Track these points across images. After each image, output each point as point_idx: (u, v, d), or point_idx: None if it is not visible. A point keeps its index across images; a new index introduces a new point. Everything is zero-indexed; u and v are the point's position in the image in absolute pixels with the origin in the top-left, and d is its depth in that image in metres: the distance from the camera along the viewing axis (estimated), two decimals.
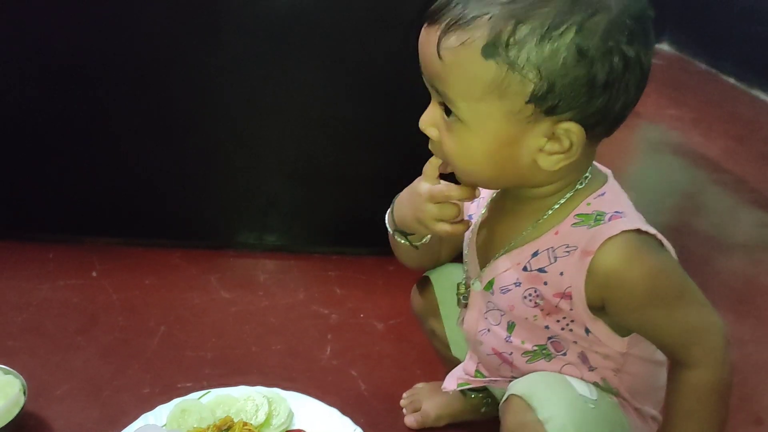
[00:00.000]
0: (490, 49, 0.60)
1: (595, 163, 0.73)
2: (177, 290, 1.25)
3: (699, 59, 2.99)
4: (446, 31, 0.62)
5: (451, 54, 0.62)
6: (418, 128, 1.35)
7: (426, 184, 0.73)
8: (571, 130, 0.63)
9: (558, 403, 0.69)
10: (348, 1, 1.22)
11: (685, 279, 0.69)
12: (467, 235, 0.81)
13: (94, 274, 1.27)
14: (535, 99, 0.61)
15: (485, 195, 0.80)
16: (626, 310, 0.68)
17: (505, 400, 0.73)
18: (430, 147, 0.71)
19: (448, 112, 0.66)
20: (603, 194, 0.70)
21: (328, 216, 1.40)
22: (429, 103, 0.70)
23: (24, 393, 0.92)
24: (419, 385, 1.04)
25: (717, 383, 0.68)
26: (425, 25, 0.66)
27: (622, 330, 0.72)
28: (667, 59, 2.94)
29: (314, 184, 1.37)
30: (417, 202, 0.74)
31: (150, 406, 0.95)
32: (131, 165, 1.31)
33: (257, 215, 1.38)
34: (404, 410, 1.01)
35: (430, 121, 0.69)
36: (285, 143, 1.33)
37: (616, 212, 0.68)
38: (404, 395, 1.03)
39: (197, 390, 0.98)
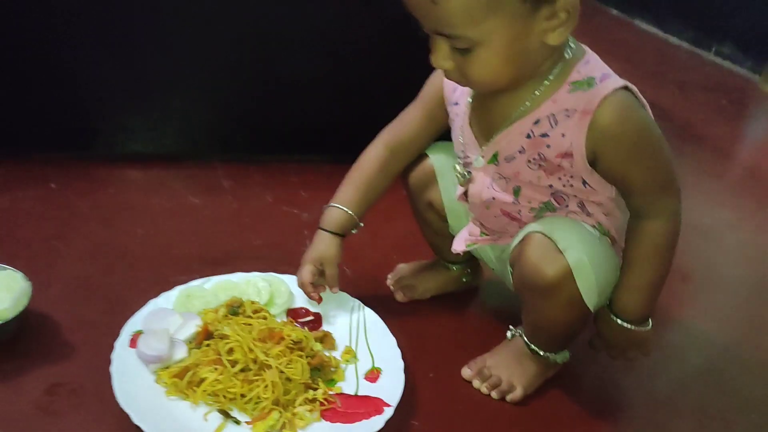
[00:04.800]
0: None
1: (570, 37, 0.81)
2: (144, 197, 1.26)
3: None
4: None
5: None
6: (364, 36, 1.42)
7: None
8: (568, 1, 0.70)
9: (573, 236, 0.80)
10: None
11: (661, 138, 0.80)
12: (458, 123, 0.88)
13: (53, 185, 1.24)
14: None
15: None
16: (615, 161, 0.78)
17: (522, 240, 0.83)
18: (447, 77, 0.78)
19: (457, 45, 0.72)
20: (588, 62, 0.79)
21: (281, 124, 1.43)
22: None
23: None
24: (401, 265, 1.13)
25: (670, 232, 0.82)
26: None
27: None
28: None
29: (267, 93, 1.39)
30: None
31: (150, 296, 0.97)
32: (85, 80, 1.27)
33: (212, 125, 1.39)
34: (392, 288, 1.09)
35: (441, 57, 0.74)
36: (239, 56, 1.34)
37: (604, 75, 0.77)
38: (389, 276, 1.11)
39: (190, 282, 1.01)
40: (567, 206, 0.85)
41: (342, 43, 1.37)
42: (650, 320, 0.87)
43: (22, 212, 1.16)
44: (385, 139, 0.98)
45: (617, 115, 0.75)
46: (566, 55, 0.78)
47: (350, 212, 0.97)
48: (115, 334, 0.89)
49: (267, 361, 0.85)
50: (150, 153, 1.37)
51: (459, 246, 0.95)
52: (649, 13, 3.10)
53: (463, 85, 0.82)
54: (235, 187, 1.33)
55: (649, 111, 0.80)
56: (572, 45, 0.79)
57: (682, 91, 2.38)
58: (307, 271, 0.96)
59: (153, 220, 1.19)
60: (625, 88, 0.77)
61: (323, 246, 0.97)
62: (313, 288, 0.97)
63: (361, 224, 0.99)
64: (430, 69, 0.98)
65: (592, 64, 0.79)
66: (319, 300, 0.98)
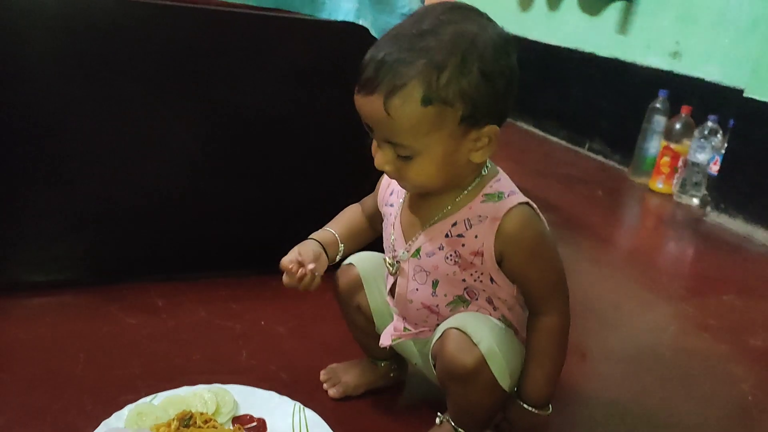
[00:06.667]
0: (427, 98, 0.83)
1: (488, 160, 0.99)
2: (82, 322, 1.31)
3: None
4: (389, 96, 0.82)
5: (397, 111, 0.83)
6: (273, 163, 1.57)
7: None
8: (491, 131, 0.88)
9: (485, 329, 0.94)
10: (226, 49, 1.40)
11: (554, 246, 0.97)
12: (390, 221, 1.03)
13: None
14: (464, 120, 0.86)
15: (401, 191, 1.03)
16: (516, 262, 0.94)
17: (440, 336, 0.96)
18: (388, 176, 0.93)
19: (401, 153, 0.87)
20: (499, 180, 0.96)
21: (208, 242, 1.54)
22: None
23: None
24: (332, 365, 1.23)
25: (563, 326, 0.98)
26: (362, 95, 0.85)
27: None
28: None
29: (192, 213, 1.50)
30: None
31: (100, 419, 1.02)
32: (15, 209, 1.34)
33: (143, 248, 1.47)
34: (325, 386, 1.19)
35: (384, 161, 0.90)
36: (165, 182, 1.45)
37: (511, 191, 0.95)
38: (322, 373, 1.21)
39: (138, 400, 1.08)
40: (477, 300, 0.99)
41: (263, 168, 1.51)
42: (550, 405, 1.00)
43: None
44: (358, 204, 1.13)
45: (519, 224, 0.92)
46: (483, 172, 0.96)
47: (332, 231, 1.07)
48: None
49: None
50: (83, 279, 1.43)
51: (385, 341, 1.07)
52: (529, 116, 3.46)
53: (401, 185, 0.96)
54: (169, 305, 1.41)
55: (545, 223, 0.97)
56: (488, 165, 0.97)
57: (564, 184, 2.67)
58: (289, 255, 1.02)
59: (94, 344, 1.24)
60: (527, 203, 0.94)
61: (304, 245, 1.04)
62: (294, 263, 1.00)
63: (342, 247, 1.08)
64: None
65: (502, 182, 0.96)
66: (305, 270, 0.99)
